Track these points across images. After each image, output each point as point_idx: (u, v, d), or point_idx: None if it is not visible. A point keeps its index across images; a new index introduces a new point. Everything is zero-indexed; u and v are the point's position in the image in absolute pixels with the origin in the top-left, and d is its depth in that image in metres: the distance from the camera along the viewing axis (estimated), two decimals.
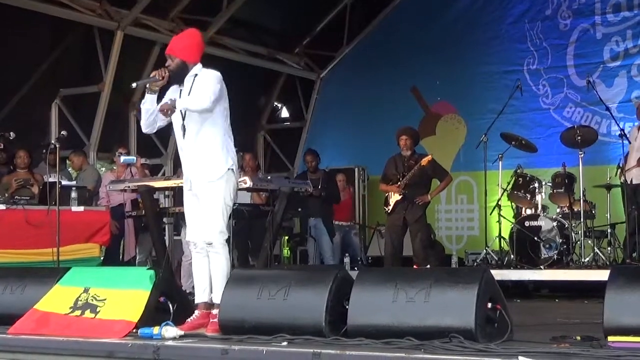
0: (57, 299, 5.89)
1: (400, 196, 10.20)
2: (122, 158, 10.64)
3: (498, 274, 9.03)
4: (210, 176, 5.97)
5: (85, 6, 11.71)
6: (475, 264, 11.08)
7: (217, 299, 5.73)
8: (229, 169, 6.02)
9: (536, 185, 10.49)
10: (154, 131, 6.33)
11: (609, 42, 13.03)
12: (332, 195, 12.60)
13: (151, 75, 6.03)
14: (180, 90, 6.08)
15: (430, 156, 10.36)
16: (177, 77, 6.04)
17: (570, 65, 13.30)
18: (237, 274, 5.77)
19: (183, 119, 6.03)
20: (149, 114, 6.09)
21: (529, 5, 13.72)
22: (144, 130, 6.28)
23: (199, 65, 6.10)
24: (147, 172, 11.14)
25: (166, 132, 12.83)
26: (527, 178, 10.59)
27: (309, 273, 5.74)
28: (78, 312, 5.71)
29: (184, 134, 6.04)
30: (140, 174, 10.66)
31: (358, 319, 4.99)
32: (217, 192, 5.95)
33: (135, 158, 10.68)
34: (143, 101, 6.09)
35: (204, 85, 5.92)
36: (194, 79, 6.02)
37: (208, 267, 6.00)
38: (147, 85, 6.01)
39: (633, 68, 12.80)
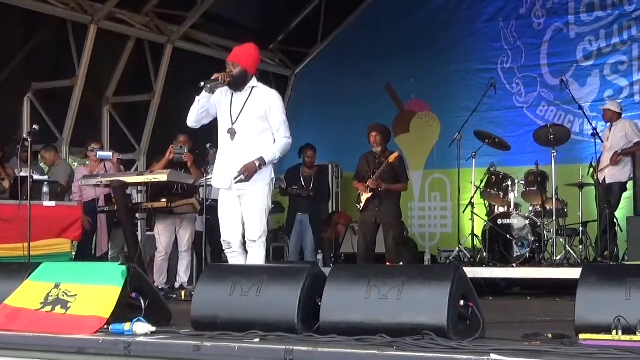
0: (27, 295, 5.82)
1: (371, 193, 10.22)
2: (99, 154, 10.57)
3: (470, 272, 9.04)
4: (261, 181, 6.62)
5: None
6: (448, 261, 11.13)
7: None
8: (272, 177, 6.74)
9: (509, 183, 10.55)
10: (199, 126, 6.85)
11: (582, 41, 13.11)
12: (322, 193, 12.63)
13: (214, 77, 6.53)
14: (232, 94, 6.65)
15: (397, 153, 10.41)
16: (237, 83, 6.60)
17: (543, 64, 13.37)
18: (210, 270, 5.73)
19: (233, 123, 6.60)
20: (202, 110, 6.64)
21: (503, 4, 13.78)
22: (190, 124, 6.81)
23: (254, 78, 6.74)
24: (122, 168, 11.09)
25: (139, 127, 12.91)
26: (500, 176, 10.65)
27: (282, 270, 5.72)
28: (49, 308, 5.64)
29: (232, 137, 6.58)
30: (116, 169, 10.61)
31: (331, 316, 4.97)
32: (265, 196, 6.66)
33: (111, 154, 10.62)
34: (199, 98, 6.60)
35: (279, 120, 6.66)
36: (251, 91, 6.65)
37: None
38: (208, 85, 6.49)
39: (606, 67, 12.88)
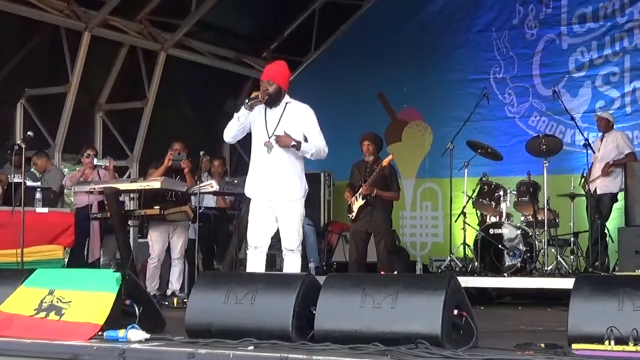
0: (21, 301, 5.83)
1: (364, 200, 10.22)
2: (96, 161, 10.61)
3: (462, 281, 9.08)
4: (296, 194, 7.03)
5: (52, 6, 11.62)
6: (439, 270, 11.14)
7: None
8: (306, 190, 7.14)
9: (501, 193, 10.58)
10: (234, 142, 7.40)
11: (574, 52, 13.13)
12: (308, 197, 12.64)
13: (253, 95, 6.94)
14: (265, 110, 7.00)
15: (391, 155, 10.43)
16: (273, 100, 6.96)
17: (535, 74, 13.39)
18: (204, 278, 5.75)
19: (269, 137, 6.94)
20: (241, 126, 7.00)
21: (496, 14, 13.79)
22: (227, 139, 7.23)
23: (287, 94, 7.10)
24: (116, 175, 11.10)
25: (132, 134, 12.91)
26: (492, 186, 10.67)
27: (277, 278, 5.74)
28: (43, 314, 5.65)
29: (269, 150, 6.93)
30: (111, 176, 10.62)
31: (325, 324, 4.99)
32: (300, 209, 7.05)
33: (108, 161, 10.66)
34: (238, 115, 6.96)
35: (315, 131, 7.11)
36: (285, 107, 7.01)
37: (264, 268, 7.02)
38: (249, 103, 6.88)
39: (598, 79, 12.91)
